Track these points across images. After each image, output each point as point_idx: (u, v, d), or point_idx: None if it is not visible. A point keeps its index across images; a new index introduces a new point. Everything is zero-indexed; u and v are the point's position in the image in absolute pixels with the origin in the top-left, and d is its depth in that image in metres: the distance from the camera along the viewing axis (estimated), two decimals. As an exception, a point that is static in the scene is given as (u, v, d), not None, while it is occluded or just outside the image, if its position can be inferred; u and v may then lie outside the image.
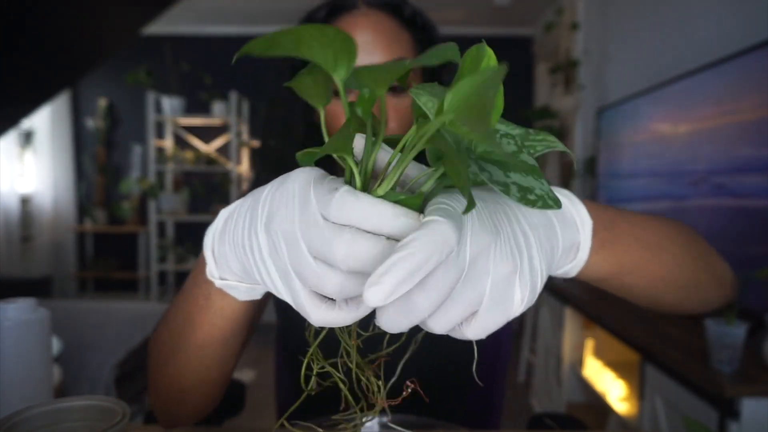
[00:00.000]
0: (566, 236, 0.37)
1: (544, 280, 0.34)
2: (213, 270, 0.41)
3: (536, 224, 0.34)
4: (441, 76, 0.74)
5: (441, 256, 0.27)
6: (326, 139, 0.35)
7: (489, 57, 0.32)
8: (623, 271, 0.43)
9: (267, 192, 0.35)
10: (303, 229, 0.30)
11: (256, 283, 0.39)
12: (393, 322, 0.29)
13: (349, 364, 0.40)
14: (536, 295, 0.33)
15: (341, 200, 0.30)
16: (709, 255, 0.51)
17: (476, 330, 0.31)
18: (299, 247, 0.31)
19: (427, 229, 0.27)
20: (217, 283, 0.42)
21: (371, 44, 0.67)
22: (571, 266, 0.39)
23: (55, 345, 1.70)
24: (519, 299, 0.32)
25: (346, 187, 0.30)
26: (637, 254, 0.44)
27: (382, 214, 0.29)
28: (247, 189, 0.81)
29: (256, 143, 4.33)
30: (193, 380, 0.52)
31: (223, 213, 0.40)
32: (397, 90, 0.69)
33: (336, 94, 0.68)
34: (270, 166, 0.76)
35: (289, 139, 0.74)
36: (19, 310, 0.57)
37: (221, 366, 0.52)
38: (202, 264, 0.45)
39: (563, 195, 0.39)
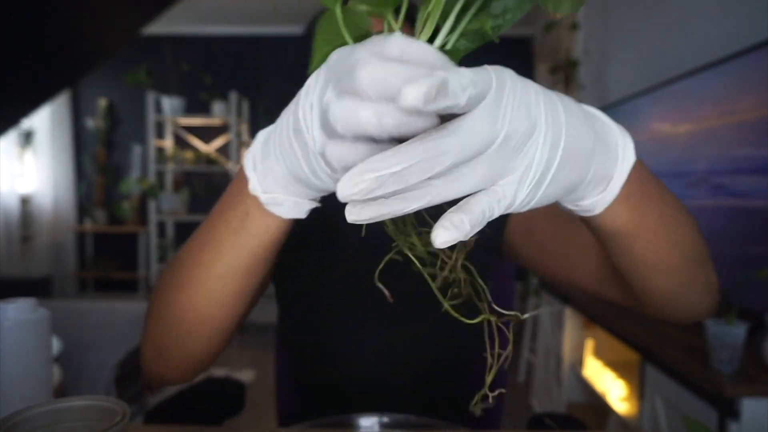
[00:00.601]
0: (602, 159, 0.37)
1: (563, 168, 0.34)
2: (257, 185, 0.41)
3: (575, 123, 0.34)
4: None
5: (459, 91, 0.27)
6: None
7: None
8: (638, 233, 0.42)
9: (309, 81, 0.35)
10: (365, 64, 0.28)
11: (303, 197, 0.40)
12: (440, 142, 0.28)
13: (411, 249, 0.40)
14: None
15: (400, 41, 0.28)
16: (708, 259, 0.51)
17: (527, 192, 0.32)
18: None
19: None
20: (263, 197, 0.41)
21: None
22: (598, 198, 0.38)
23: (55, 345, 1.70)
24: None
25: (398, 33, 0.29)
26: (656, 222, 0.43)
27: (441, 60, 0.29)
28: None
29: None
30: (204, 314, 0.50)
31: (262, 133, 0.41)
32: None
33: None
34: None
35: None
36: (19, 310, 0.57)
37: (235, 303, 0.50)
38: (238, 186, 0.44)
39: (618, 126, 0.39)
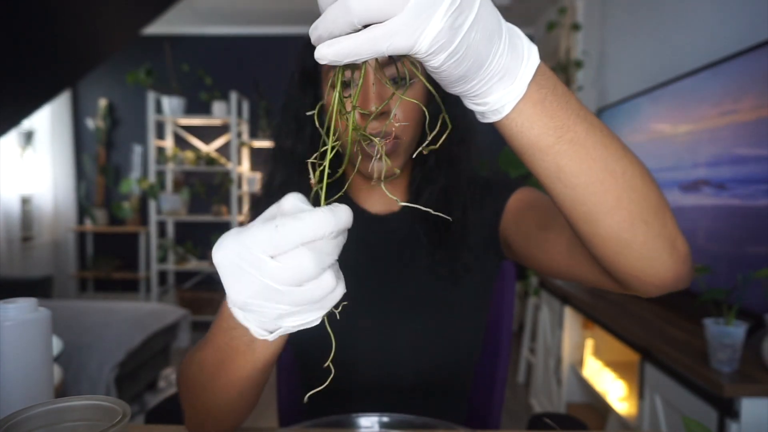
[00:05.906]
0: (508, 53, 0.37)
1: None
2: (259, 330, 0.44)
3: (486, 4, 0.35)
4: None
5: None
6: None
7: None
8: (561, 148, 0.41)
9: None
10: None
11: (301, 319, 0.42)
12: None
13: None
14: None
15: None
16: (665, 206, 0.46)
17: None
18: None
19: None
20: (271, 337, 0.44)
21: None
22: (506, 92, 0.38)
23: (55, 345, 1.70)
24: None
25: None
26: (582, 139, 0.41)
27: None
28: (261, 188, 0.83)
29: (265, 143, 4.33)
30: (229, 407, 0.55)
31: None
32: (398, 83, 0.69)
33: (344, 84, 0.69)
34: (282, 163, 0.80)
35: (300, 137, 0.78)
36: (20, 310, 0.57)
37: (256, 392, 0.55)
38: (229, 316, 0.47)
39: (527, 38, 0.39)
